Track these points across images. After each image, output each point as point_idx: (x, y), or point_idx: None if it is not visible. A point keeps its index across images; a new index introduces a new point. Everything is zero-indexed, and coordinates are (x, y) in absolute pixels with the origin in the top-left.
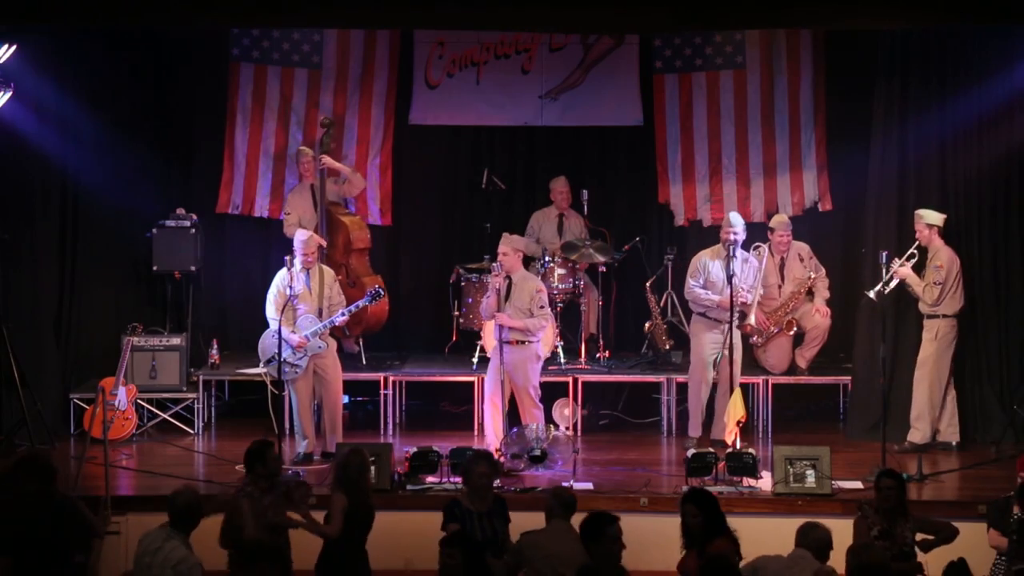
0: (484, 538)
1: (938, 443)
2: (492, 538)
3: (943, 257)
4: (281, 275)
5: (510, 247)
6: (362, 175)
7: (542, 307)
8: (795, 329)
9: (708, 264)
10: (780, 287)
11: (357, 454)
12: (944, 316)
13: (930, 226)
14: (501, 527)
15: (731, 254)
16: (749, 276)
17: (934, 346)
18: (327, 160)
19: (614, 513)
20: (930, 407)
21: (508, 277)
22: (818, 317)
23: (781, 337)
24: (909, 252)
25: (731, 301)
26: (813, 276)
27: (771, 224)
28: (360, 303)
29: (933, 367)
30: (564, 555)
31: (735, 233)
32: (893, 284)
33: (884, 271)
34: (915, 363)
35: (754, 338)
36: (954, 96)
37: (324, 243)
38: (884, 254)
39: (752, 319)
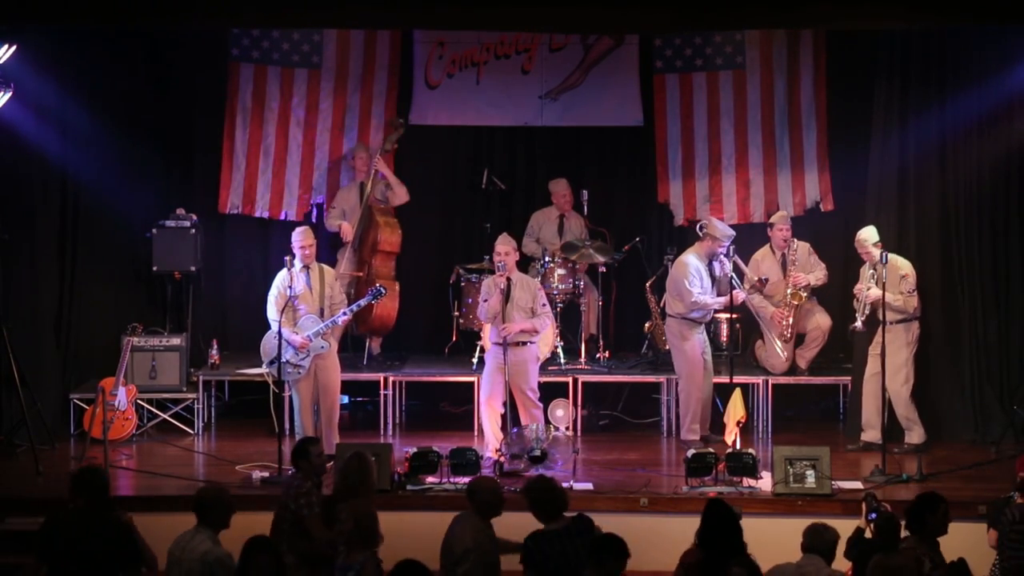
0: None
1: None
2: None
3: (903, 266)
4: (281, 276)
5: (511, 246)
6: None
7: (544, 305)
8: (803, 296)
9: (701, 268)
10: (784, 279)
11: (356, 458)
12: (916, 319)
13: (875, 243)
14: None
15: (720, 262)
16: (717, 272)
17: (909, 349)
18: (381, 164)
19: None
20: (915, 407)
21: (508, 278)
22: (820, 318)
23: (776, 322)
24: (869, 274)
25: (731, 303)
26: (814, 268)
27: (771, 220)
28: (362, 302)
29: (912, 369)
30: (454, 542)
31: (726, 247)
32: (868, 310)
33: (860, 305)
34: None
35: (782, 332)
36: (954, 96)
37: (351, 237)
38: (884, 254)
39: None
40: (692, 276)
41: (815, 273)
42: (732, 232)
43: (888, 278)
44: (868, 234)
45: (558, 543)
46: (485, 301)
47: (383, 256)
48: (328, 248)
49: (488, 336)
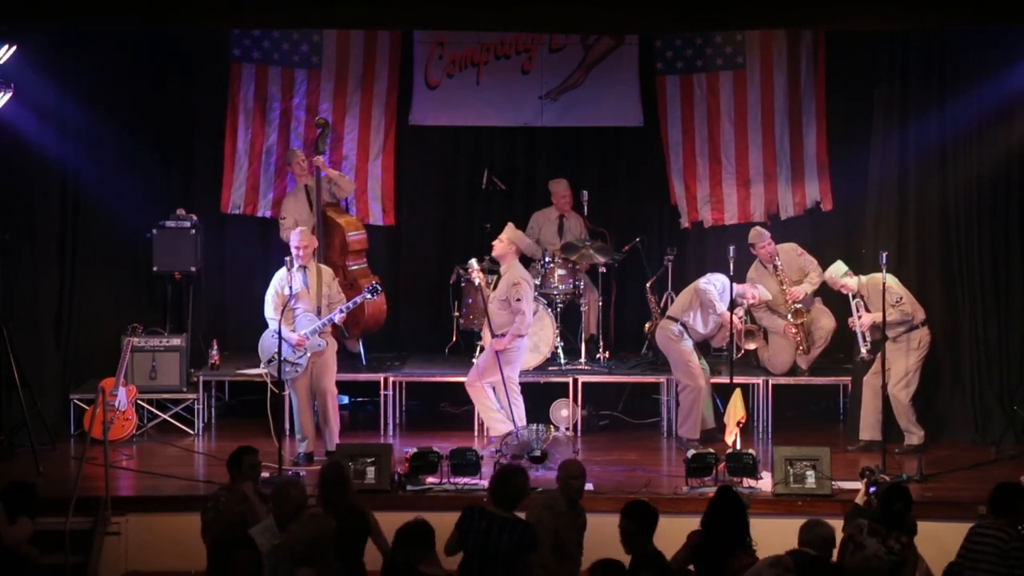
0: None
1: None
2: None
3: (885, 282)
4: (279, 275)
5: (507, 236)
6: (354, 177)
7: (518, 300)
8: (805, 312)
9: (726, 296)
10: (781, 291)
11: (332, 468)
12: (923, 324)
13: (845, 274)
14: None
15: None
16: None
17: (916, 355)
18: (320, 163)
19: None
20: (914, 412)
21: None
22: (824, 320)
23: (790, 337)
24: (855, 303)
25: (731, 324)
26: (807, 269)
27: (750, 240)
28: (357, 299)
29: (915, 376)
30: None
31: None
32: (868, 337)
33: (858, 335)
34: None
35: (797, 346)
36: (954, 96)
37: (315, 244)
38: (884, 255)
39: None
40: (724, 292)
41: (809, 277)
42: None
43: (872, 299)
44: (835, 271)
45: (489, 525)
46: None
47: (354, 255)
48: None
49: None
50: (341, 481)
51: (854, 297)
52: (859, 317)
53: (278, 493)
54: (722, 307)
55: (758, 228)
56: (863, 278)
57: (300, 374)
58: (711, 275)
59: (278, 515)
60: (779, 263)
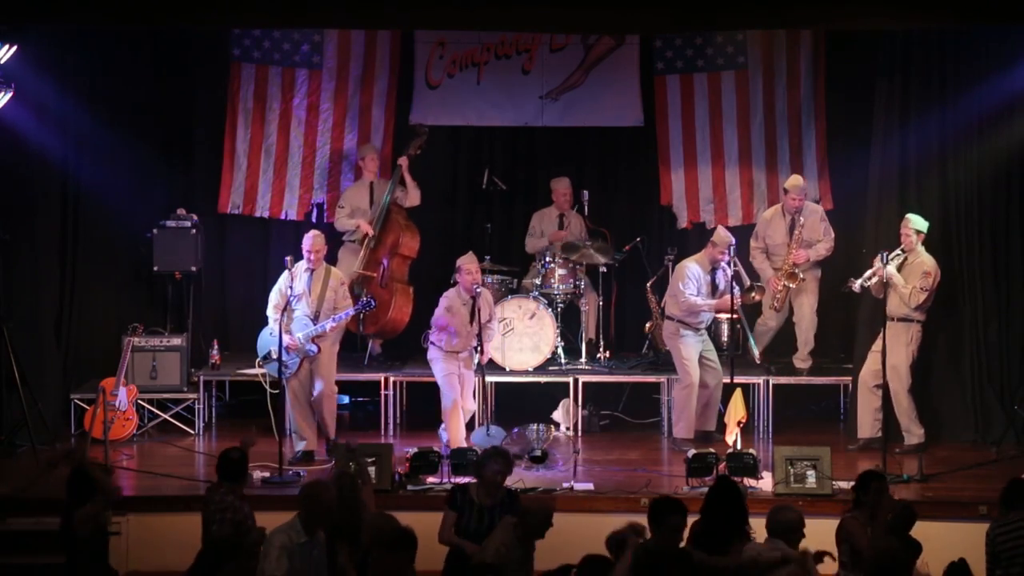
0: (475, 530)
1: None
2: (484, 533)
3: (929, 264)
4: (285, 275)
5: (476, 263)
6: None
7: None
8: (799, 278)
9: (700, 275)
10: (789, 245)
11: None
12: (918, 321)
13: (918, 232)
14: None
15: (723, 269)
16: (721, 283)
17: (909, 350)
18: (404, 164)
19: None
20: (915, 409)
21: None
22: (806, 308)
23: (771, 287)
24: (896, 253)
25: (731, 306)
26: (821, 239)
27: (786, 185)
28: (351, 311)
29: (910, 371)
30: None
31: (727, 255)
32: (874, 281)
33: (869, 271)
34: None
35: (772, 301)
36: (954, 96)
37: (372, 232)
38: (884, 254)
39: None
40: (688, 280)
41: (816, 247)
42: (732, 240)
43: (912, 270)
44: (917, 222)
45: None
46: (448, 311)
47: (400, 259)
48: (332, 246)
49: (440, 342)
50: (353, 503)
51: (900, 251)
52: (887, 263)
53: (310, 494)
54: (711, 303)
55: (800, 181)
56: (922, 248)
57: (292, 375)
58: (685, 281)
59: (306, 517)
60: (801, 220)
